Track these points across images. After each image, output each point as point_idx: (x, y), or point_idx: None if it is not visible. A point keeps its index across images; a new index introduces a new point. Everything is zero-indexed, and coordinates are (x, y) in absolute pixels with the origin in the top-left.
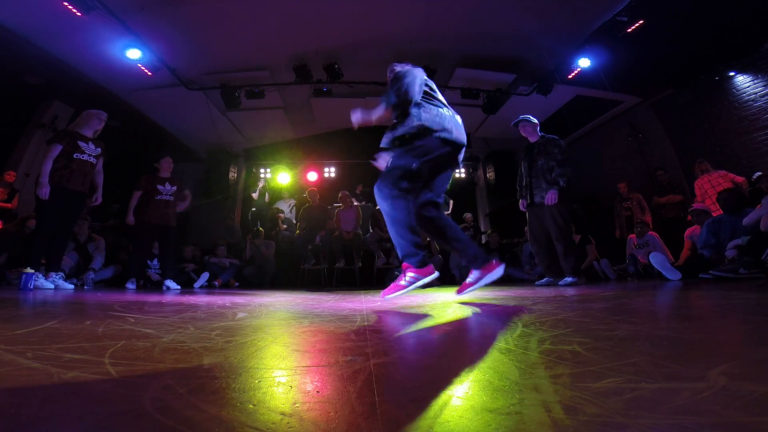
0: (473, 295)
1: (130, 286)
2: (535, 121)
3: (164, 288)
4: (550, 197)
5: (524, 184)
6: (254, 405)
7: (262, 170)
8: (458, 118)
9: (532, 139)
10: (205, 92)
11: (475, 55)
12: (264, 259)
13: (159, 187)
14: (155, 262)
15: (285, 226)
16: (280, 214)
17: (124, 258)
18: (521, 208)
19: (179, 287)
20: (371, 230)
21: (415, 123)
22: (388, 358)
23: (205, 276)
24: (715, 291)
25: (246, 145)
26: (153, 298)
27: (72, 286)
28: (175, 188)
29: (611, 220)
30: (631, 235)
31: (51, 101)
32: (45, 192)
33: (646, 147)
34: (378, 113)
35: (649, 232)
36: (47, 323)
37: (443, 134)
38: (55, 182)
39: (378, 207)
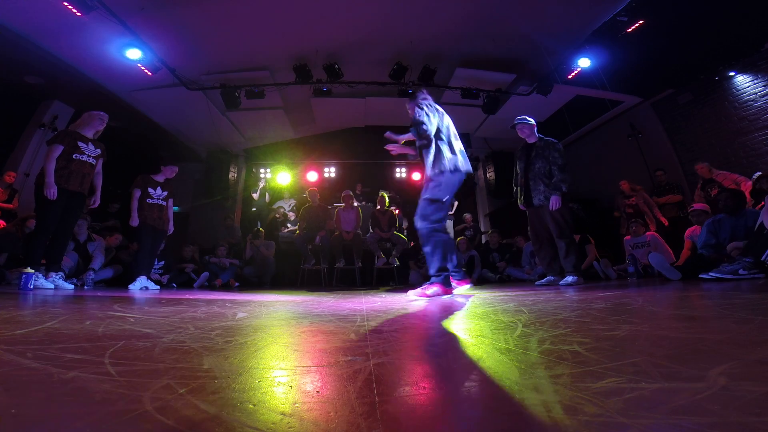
0: (474, 294)
1: (143, 285)
2: (533, 121)
3: (143, 287)
4: (554, 203)
5: (520, 184)
6: (254, 405)
7: (262, 170)
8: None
9: (530, 141)
10: (205, 92)
11: (475, 55)
12: (264, 259)
13: (150, 190)
14: (156, 262)
15: (295, 227)
16: (290, 213)
17: (125, 258)
18: (521, 207)
19: (158, 287)
20: (371, 230)
21: None
22: (388, 358)
23: (205, 276)
24: (715, 291)
25: (246, 145)
26: (153, 298)
27: (72, 286)
28: (165, 194)
29: (611, 219)
30: (626, 237)
31: (51, 101)
32: (53, 192)
33: (645, 147)
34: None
35: (650, 233)
36: (47, 323)
37: None
38: (54, 182)
39: (378, 207)
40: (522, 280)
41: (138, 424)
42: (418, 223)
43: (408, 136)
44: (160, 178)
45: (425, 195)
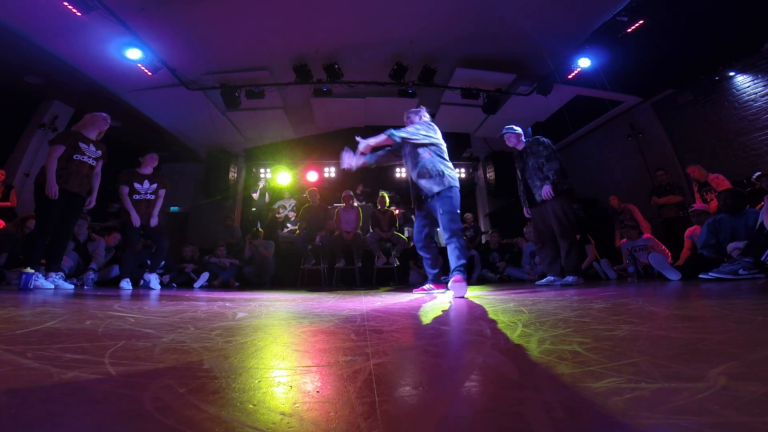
0: (474, 294)
1: (125, 286)
2: (519, 130)
3: (143, 281)
4: (546, 191)
5: (522, 189)
6: (254, 405)
7: (262, 170)
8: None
9: (520, 147)
10: (205, 92)
11: (475, 55)
12: (263, 258)
13: (136, 185)
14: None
15: (295, 227)
16: (290, 214)
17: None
18: (526, 215)
19: (159, 287)
20: (371, 230)
21: None
22: (388, 358)
23: (205, 276)
24: (715, 291)
25: (246, 145)
26: (153, 298)
27: (72, 286)
28: (154, 186)
29: (611, 220)
30: (622, 240)
31: (51, 101)
32: (55, 192)
33: (646, 147)
34: None
35: (646, 236)
36: (47, 323)
37: None
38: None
39: (378, 207)
40: (522, 280)
41: (138, 424)
42: (449, 237)
43: (380, 139)
44: (146, 170)
45: (446, 209)
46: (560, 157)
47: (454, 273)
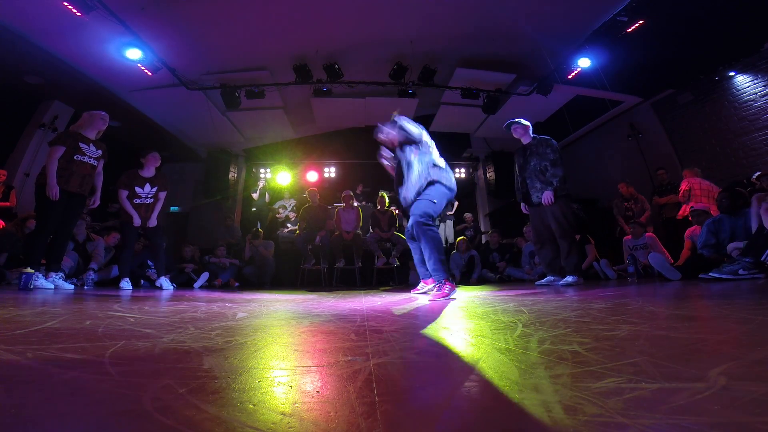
0: (473, 294)
1: (125, 286)
2: (527, 123)
3: (157, 285)
4: (546, 197)
5: (519, 185)
6: (254, 405)
7: (262, 170)
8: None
9: (525, 141)
10: (205, 92)
11: (475, 55)
12: (263, 259)
13: (137, 189)
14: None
15: (295, 227)
16: (290, 214)
17: None
18: (523, 210)
19: (172, 286)
20: (371, 230)
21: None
22: (388, 358)
23: (205, 276)
24: (715, 291)
25: (246, 145)
26: (153, 298)
27: (72, 286)
28: (155, 190)
29: (611, 219)
30: (626, 237)
31: (51, 101)
32: (55, 193)
33: (646, 147)
34: None
35: (648, 234)
36: (47, 323)
37: None
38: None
39: (378, 207)
40: (522, 280)
41: (138, 424)
42: (413, 220)
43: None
44: (148, 173)
45: (423, 197)
46: (564, 162)
47: (434, 278)
